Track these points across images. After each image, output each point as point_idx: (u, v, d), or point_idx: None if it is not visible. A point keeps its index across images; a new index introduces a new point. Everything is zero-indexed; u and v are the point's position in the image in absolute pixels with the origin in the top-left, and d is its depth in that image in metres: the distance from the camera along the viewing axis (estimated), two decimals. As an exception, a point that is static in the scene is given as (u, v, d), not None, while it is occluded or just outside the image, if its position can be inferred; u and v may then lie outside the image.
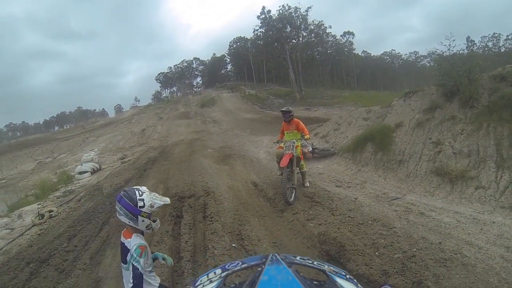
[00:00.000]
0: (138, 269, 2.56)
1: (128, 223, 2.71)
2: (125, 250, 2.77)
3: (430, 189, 7.24)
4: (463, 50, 10.90)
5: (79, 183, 15.46)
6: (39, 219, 9.08)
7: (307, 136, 7.97)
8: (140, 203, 2.69)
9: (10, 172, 37.40)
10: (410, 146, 8.77)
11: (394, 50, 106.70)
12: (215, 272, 1.05)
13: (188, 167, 12.46)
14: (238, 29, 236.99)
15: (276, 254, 0.99)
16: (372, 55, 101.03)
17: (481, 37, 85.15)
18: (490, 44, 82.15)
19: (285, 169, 7.24)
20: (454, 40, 10.06)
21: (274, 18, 55.04)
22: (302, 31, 57.25)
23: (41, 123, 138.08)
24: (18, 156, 43.90)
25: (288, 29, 54.88)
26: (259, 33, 58.76)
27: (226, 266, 1.06)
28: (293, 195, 7.21)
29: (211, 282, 0.97)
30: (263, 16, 56.03)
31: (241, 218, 6.67)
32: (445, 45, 10.28)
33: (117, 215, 2.76)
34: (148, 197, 2.75)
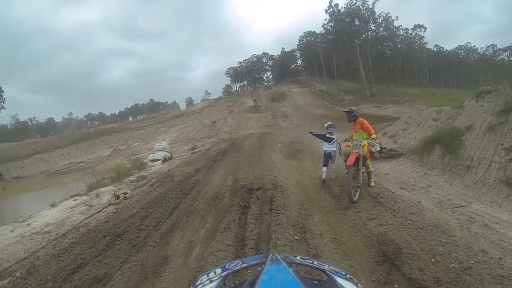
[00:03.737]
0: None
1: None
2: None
3: (497, 200, 6.84)
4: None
5: (151, 170, 16.67)
6: (115, 199, 10.22)
7: (373, 136, 8.06)
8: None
9: (89, 156, 40.95)
10: (480, 151, 8.35)
11: (469, 43, 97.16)
12: (215, 272, 1.07)
13: (258, 161, 12.98)
14: (305, 24, 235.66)
15: (276, 254, 1.02)
16: (445, 49, 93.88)
17: None
18: None
19: (351, 167, 7.38)
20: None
21: (342, 11, 54.03)
22: (371, 25, 55.72)
23: (116, 113, 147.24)
24: (96, 143, 47.89)
25: (357, 22, 53.62)
26: (328, 27, 57.89)
27: (226, 266, 1.09)
28: (357, 194, 7.29)
29: (211, 281, 0.99)
30: (331, 10, 55.11)
31: (306, 212, 6.90)
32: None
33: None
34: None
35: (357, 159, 7.55)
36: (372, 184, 8.09)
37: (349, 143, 8.24)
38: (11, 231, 8.53)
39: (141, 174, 15.12)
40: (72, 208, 10.32)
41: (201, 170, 13.08)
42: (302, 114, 38.02)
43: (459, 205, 6.68)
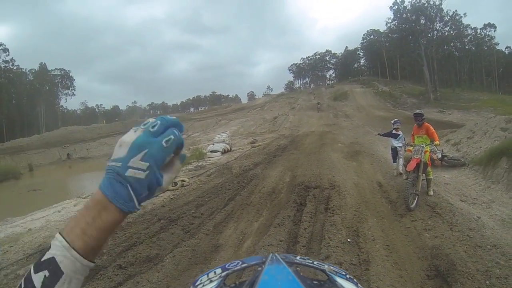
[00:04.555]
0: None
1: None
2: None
3: None
4: None
5: (210, 160, 17.16)
6: (173, 186, 10.57)
7: (436, 142, 7.89)
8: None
9: (148, 144, 43.44)
10: (553, 169, 7.73)
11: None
12: (215, 272, 0.93)
13: (317, 159, 13.08)
14: (369, 21, 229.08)
15: (276, 254, 0.87)
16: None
17: None
18: None
19: (411, 173, 7.20)
20: None
21: (407, 9, 52.32)
22: (437, 23, 53.26)
23: (178, 104, 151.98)
24: (156, 131, 50.53)
25: (422, 21, 51.55)
26: (392, 26, 56.16)
27: (226, 266, 0.94)
28: (415, 202, 7.10)
29: (211, 281, 0.87)
30: (396, 7, 53.34)
31: (360, 215, 6.84)
32: None
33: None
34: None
35: (418, 165, 7.33)
36: (431, 193, 7.81)
37: (411, 148, 8.04)
38: (74, 205, 9.42)
39: (200, 164, 15.64)
40: (131, 190, 11.03)
41: (259, 164, 13.31)
42: (363, 115, 37.49)
43: (524, 226, 6.31)
